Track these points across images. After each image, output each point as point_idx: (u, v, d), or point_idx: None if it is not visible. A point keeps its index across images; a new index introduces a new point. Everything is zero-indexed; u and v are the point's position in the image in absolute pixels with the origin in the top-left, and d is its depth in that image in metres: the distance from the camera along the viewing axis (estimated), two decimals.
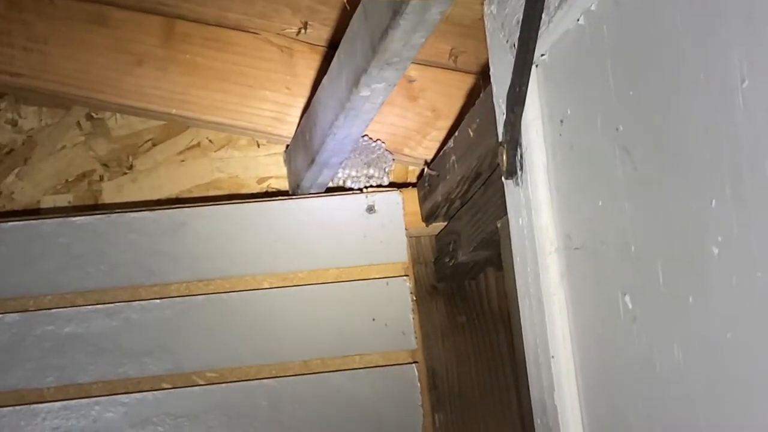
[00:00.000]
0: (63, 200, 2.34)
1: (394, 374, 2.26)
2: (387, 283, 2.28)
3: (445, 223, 2.31)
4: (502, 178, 1.42)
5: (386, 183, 2.34)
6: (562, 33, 1.25)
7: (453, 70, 2.27)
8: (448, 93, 2.29)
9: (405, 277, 2.29)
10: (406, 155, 2.33)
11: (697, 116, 0.98)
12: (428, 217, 2.31)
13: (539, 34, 1.28)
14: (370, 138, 2.31)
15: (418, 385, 2.26)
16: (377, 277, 2.28)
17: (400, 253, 2.30)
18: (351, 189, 2.33)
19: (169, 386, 2.20)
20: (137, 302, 2.21)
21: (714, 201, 0.96)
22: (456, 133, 2.08)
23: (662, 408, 1.10)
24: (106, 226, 2.22)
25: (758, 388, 0.93)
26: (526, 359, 1.40)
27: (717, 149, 0.96)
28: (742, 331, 0.95)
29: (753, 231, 0.91)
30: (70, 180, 2.35)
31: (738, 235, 0.94)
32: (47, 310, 2.18)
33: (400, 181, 2.39)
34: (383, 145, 2.32)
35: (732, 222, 0.94)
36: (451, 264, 2.28)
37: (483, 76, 2.20)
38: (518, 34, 1.31)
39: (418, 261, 2.37)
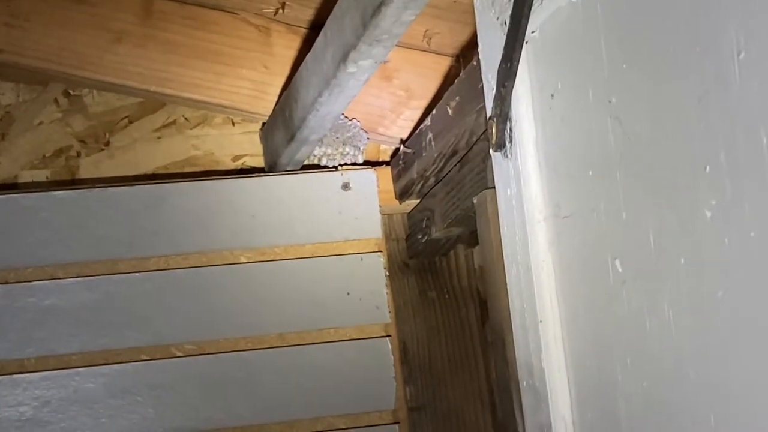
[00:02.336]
0: (40, 175, 2.37)
1: (367, 347, 2.31)
2: (361, 259, 2.33)
3: (418, 201, 2.36)
4: (490, 151, 1.47)
5: (360, 161, 2.38)
6: (554, 10, 1.30)
7: (427, 51, 2.32)
8: (422, 73, 2.34)
9: (379, 253, 2.35)
10: (380, 134, 2.38)
11: (691, 87, 1.04)
12: (402, 195, 2.36)
13: (531, 11, 1.33)
14: (346, 117, 2.36)
15: (392, 357, 2.31)
16: (352, 252, 2.33)
17: (374, 229, 2.35)
18: (326, 167, 2.37)
19: (148, 358, 2.24)
20: (117, 275, 2.24)
21: (708, 167, 1.02)
22: (433, 112, 2.13)
23: (651, 364, 1.16)
24: (86, 200, 2.26)
25: (747, 342, 0.99)
26: (513, 324, 1.45)
27: (711, 118, 1.01)
28: (733, 289, 1.01)
29: (747, 194, 0.97)
30: (47, 155, 2.38)
31: (731, 199, 0.99)
32: (28, 283, 2.21)
33: (372, 159, 2.44)
34: (358, 123, 2.36)
35: (726, 186, 1.00)
36: (423, 241, 2.32)
37: (459, 57, 2.25)
38: (510, 11, 1.36)
39: (391, 238, 2.42)
